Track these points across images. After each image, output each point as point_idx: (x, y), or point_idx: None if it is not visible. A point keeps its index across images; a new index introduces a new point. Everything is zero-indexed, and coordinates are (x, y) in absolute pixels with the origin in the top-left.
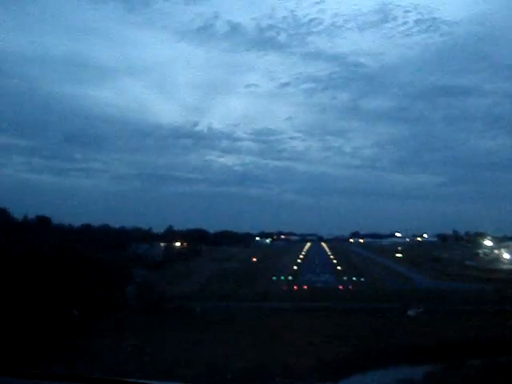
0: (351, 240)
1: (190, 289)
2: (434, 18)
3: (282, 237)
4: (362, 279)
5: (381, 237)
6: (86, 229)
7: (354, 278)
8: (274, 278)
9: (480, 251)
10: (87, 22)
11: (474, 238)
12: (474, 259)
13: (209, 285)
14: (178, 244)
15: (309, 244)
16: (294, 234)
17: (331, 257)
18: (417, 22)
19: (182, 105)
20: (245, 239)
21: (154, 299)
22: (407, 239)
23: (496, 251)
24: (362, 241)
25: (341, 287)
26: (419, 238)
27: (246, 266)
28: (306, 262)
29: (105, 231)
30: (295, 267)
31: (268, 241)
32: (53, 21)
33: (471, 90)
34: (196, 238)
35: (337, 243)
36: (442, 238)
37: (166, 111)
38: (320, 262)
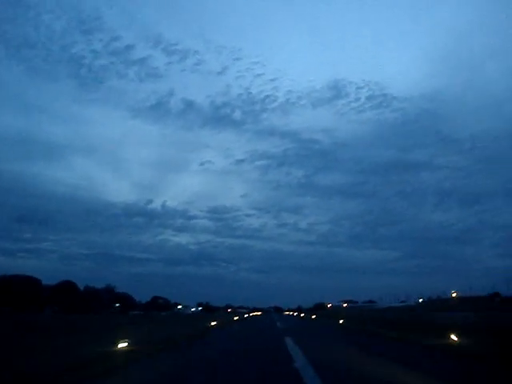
0: (329, 305)
1: None
2: (385, 95)
3: (229, 310)
4: None
5: (357, 303)
6: None
7: None
8: None
9: None
10: (39, 100)
11: None
12: None
13: None
14: None
15: (258, 313)
16: (246, 308)
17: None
18: (369, 98)
19: (136, 183)
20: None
21: None
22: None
23: None
24: (345, 305)
25: None
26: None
27: None
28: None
29: None
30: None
31: (193, 309)
32: (3, 98)
33: (423, 165)
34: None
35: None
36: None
37: (119, 189)
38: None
